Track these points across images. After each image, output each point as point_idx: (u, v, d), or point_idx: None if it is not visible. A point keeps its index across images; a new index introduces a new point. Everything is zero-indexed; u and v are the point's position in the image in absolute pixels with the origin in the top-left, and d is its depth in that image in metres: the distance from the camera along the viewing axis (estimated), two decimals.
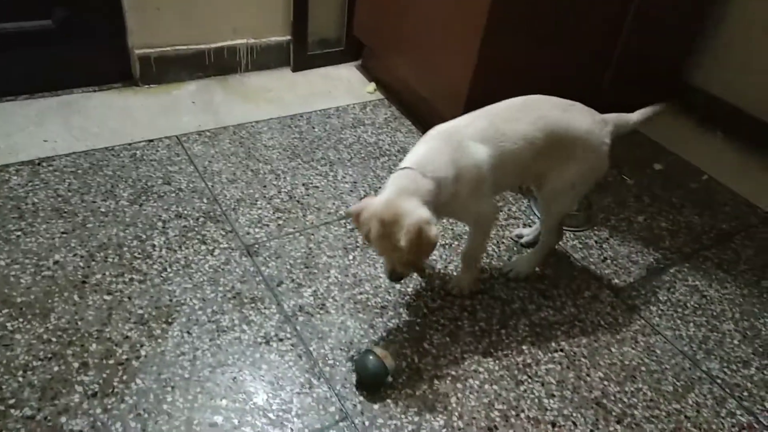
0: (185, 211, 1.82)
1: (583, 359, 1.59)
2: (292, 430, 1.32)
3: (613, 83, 2.36)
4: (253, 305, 1.58)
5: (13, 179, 1.83)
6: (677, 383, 1.56)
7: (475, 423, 1.40)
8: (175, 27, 2.30)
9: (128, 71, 2.31)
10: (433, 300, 1.69)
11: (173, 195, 1.87)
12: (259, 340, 1.50)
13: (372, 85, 2.59)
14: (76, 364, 1.37)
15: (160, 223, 1.77)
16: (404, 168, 1.39)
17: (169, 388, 1.36)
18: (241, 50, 2.48)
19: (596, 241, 1.99)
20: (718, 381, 1.58)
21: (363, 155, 2.18)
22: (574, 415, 1.46)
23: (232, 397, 1.36)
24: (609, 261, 1.92)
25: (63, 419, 1.27)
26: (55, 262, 1.60)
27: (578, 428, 1.43)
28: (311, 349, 1.50)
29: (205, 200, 1.88)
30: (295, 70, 2.62)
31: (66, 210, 1.75)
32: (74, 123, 2.09)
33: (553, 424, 1.43)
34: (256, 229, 1.81)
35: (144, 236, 1.72)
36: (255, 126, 2.24)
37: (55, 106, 2.15)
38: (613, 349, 1.63)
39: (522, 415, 1.44)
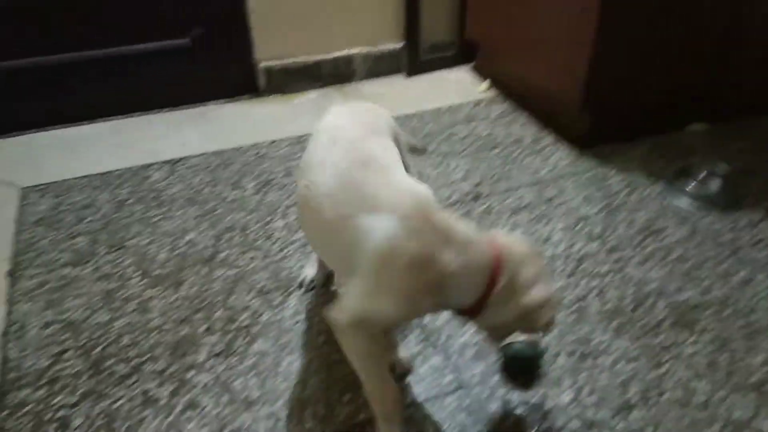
0: None
1: (737, 342, 1.39)
2: (410, 394, 1.27)
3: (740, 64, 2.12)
4: None
5: (154, 175, 2.01)
6: None
7: (608, 401, 1.26)
8: (295, 40, 2.45)
9: (254, 83, 2.49)
10: (556, 278, 1.57)
11: (293, 186, 1.95)
12: None
13: (486, 83, 2.56)
14: (202, 329, 1.44)
15: (281, 209, 1.84)
16: None
17: (286, 352, 1.38)
18: (356, 59, 2.58)
19: (747, 223, 1.76)
20: None
21: (476, 147, 2.14)
22: (730, 398, 1.26)
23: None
24: (763, 244, 1.68)
25: (190, 374, 1.32)
26: (188, 241, 1.71)
27: (735, 413, 1.23)
28: (425, 322, 1.45)
29: None
30: (409, 75, 2.67)
31: (198, 199, 1.89)
32: (207, 129, 2.27)
33: (705, 406, 1.24)
34: None
35: (266, 220, 1.79)
36: None
37: (192, 116, 2.36)
38: None
39: (665, 397, 1.27)
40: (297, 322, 1.45)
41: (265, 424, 1.23)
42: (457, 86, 2.59)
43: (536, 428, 1.20)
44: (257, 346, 1.39)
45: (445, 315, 1.46)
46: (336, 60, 2.55)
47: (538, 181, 1.95)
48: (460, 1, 2.60)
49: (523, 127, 2.26)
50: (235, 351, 1.37)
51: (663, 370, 1.32)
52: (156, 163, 2.06)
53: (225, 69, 2.42)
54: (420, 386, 1.29)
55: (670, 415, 1.23)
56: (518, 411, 1.24)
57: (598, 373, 1.32)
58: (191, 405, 1.26)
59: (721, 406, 1.24)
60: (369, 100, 2.48)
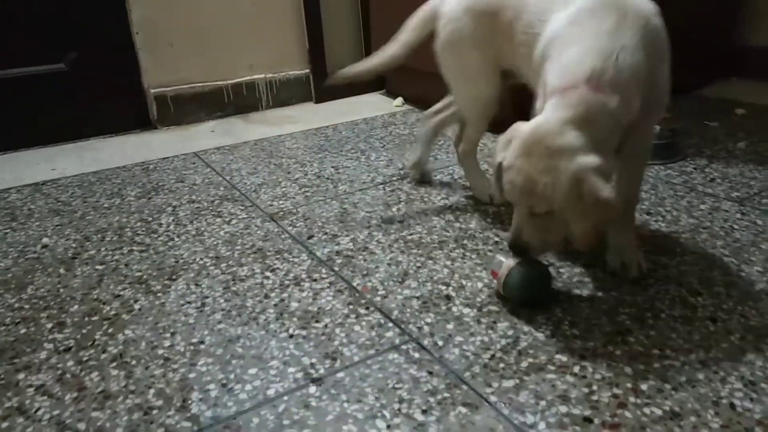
0: (199, 198, 1.57)
1: (725, 258, 1.16)
2: (339, 359, 0.93)
3: None
4: (278, 256, 1.25)
5: (12, 196, 1.64)
6: None
7: (598, 329, 0.97)
8: (189, 64, 2.24)
9: (145, 115, 2.22)
10: (505, 229, 1.32)
11: (186, 188, 1.64)
12: (286, 282, 1.15)
13: (399, 99, 2.42)
14: (49, 325, 1.05)
15: (169, 209, 1.51)
16: (562, 90, 0.95)
17: (167, 335, 1.01)
18: (260, 85, 2.39)
19: (695, 168, 1.61)
20: None
21: (397, 142, 1.94)
22: (741, 307, 1.00)
23: (253, 335, 0.99)
24: (719, 180, 1.53)
25: (21, 376, 0.92)
26: (44, 246, 1.34)
27: (753, 320, 0.97)
28: (354, 284, 1.13)
29: (222, 188, 1.63)
30: (317, 102, 2.50)
31: (64, 210, 1.53)
32: (86, 156, 1.95)
33: (713, 320, 0.98)
34: (280, 202, 1.53)
35: (150, 219, 1.45)
36: (277, 138, 2.06)
37: (69, 149, 2.04)
38: (763, 247, 1.19)
39: (663, 315, 1.00)
40: (185, 304, 1.09)
41: (127, 418, 0.84)
42: (371, 106, 2.43)
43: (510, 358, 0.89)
44: (126, 334, 1.01)
45: (380, 275, 1.16)
46: (237, 86, 2.35)
47: None
48: (363, 26, 2.54)
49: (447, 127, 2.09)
50: (93, 343, 0.99)
51: (653, 291, 1.06)
52: (16, 187, 1.71)
53: (110, 97, 2.15)
54: (354, 346, 0.95)
55: (675, 332, 0.96)
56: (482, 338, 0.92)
57: (577, 303, 1.04)
58: (18, 410, 0.85)
59: (732, 317, 0.98)
60: (276, 120, 2.29)
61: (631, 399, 0.83)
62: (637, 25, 0.97)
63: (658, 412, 0.80)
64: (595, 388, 0.85)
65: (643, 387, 0.85)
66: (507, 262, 1.02)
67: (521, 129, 0.95)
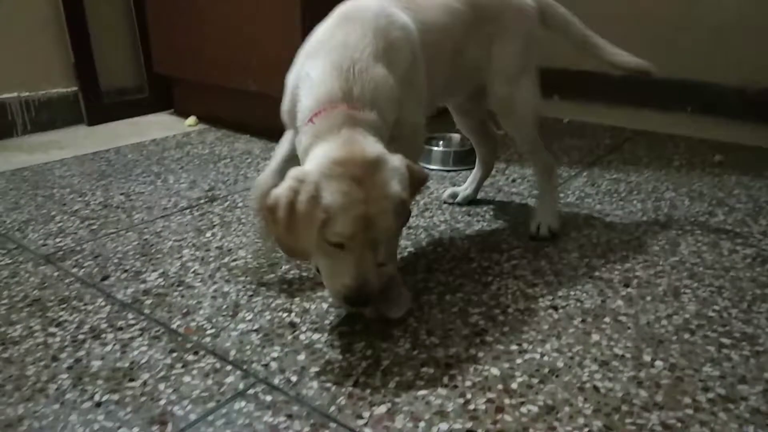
0: None
1: (547, 249, 1.22)
2: (171, 422, 0.73)
3: None
4: (64, 306, 0.98)
5: None
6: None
7: (455, 333, 0.92)
8: None
9: None
10: None
11: None
12: (81, 337, 0.89)
13: (192, 118, 2.19)
14: None
15: None
16: (318, 114, 0.88)
17: None
18: (12, 106, 1.96)
19: (497, 171, 1.70)
20: None
21: (197, 163, 1.73)
22: (573, 292, 1.05)
23: (42, 412, 0.74)
24: (519, 180, 1.64)
25: None
26: None
27: (586, 302, 1.02)
28: (174, 327, 0.93)
29: None
30: (91, 124, 2.15)
31: None
32: None
33: (555, 308, 1.00)
34: (57, 240, 1.23)
35: None
36: (43, 167, 1.69)
37: None
38: (573, 235, 1.29)
39: (510, 310, 0.99)
40: None
41: None
42: (159, 126, 2.16)
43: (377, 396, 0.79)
44: None
45: (205, 312, 0.97)
46: None
47: None
48: (141, 34, 2.26)
49: (249, 143, 1.94)
50: None
51: (494, 288, 1.06)
52: None
53: None
54: (187, 401, 0.76)
55: (526, 325, 0.95)
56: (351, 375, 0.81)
57: (428, 310, 0.98)
58: None
59: (569, 302, 1.02)
60: (41, 146, 1.90)
61: (506, 401, 0.78)
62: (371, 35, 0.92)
63: (535, 409, 0.77)
64: (469, 396, 0.79)
65: (513, 386, 0.81)
66: None
67: (309, 171, 0.82)
